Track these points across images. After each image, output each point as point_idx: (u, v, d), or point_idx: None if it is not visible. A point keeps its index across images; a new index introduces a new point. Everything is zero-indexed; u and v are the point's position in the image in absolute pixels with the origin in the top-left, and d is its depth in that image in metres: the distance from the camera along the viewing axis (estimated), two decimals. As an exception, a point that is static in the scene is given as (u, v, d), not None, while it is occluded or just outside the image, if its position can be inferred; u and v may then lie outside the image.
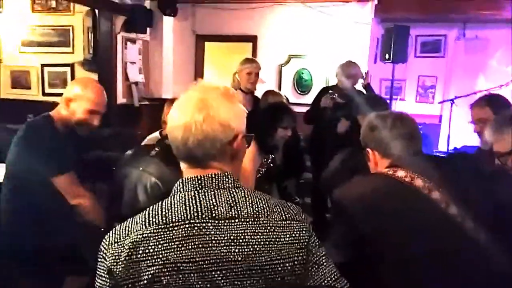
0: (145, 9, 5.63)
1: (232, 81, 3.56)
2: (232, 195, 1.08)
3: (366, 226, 1.30)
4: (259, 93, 3.71)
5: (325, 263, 1.10)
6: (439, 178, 1.35)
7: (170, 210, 1.08)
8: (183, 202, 1.08)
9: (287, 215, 1.10)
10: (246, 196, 1.09)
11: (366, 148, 1.56)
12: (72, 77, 5.56)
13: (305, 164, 3.83)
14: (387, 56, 5.19)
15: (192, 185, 1.09)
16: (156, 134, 2.64)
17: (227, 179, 1.10)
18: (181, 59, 6.13)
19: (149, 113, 5.70)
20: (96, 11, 5.21)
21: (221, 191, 1.08)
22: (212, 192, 1.08)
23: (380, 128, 1.49)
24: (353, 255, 1.30)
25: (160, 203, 1.11)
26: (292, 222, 1.09)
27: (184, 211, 1.06)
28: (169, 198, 1.11)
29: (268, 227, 1.06)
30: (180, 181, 1.12)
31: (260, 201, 1.10)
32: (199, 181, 1.09)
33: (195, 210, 1.06)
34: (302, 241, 1.08)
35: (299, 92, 5.88)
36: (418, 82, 7.04)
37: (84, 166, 4.02)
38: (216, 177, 1.10)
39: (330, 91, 3.69)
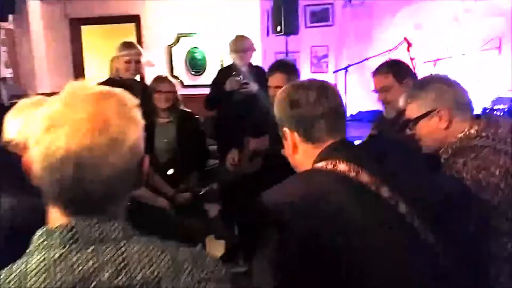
0: (3, -7, 4.86)
1: (109, 69, 3.10)
2: (121, 252, 0.74)
3: (312, 235, 1.01)
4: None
5: None
6: (381, 169, 1.12)
7: (23, 281, 0.71)
8: (46, 267, 0.72)
9: (201, 275, 0.77)
10: (142, 251, 0.75)
11: (282, 126, 1.26)
12: None
13: (209, 151, 3.55)
14: (278, 29, 5.06)
15: (61, 239, 0.74)
16: None
17: (114, 227, 0.76)
18: (54, 48, 5.46)
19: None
20: None
21: (106, 247, 0.74)
22: (92, 248, 0.73)
23: (302, 104, 1.20)
24: (292, 273, 1.01)
25: (8, 268, 0.74)
26: (207, 285, 0.77)
27: (47, 281, 0.71)
28: (23, 260, 0.74)
29: None
30: (41, 233, 0.75)
31: (162, 256, 0.76)
32: (72, 233, 0.74)
33: (63, 279, 0.71)
34: None
35: (192, 73, 5.54)
36: (311, 53, 7.03)
37: None
38: (99, 225, 0.75)
39: (234, 73, 3.41)
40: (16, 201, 1.19)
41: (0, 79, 4.84)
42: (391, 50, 4.61)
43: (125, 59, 2.97)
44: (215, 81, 3.65)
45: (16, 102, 5.10)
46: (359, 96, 6.55)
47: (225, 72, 3.60)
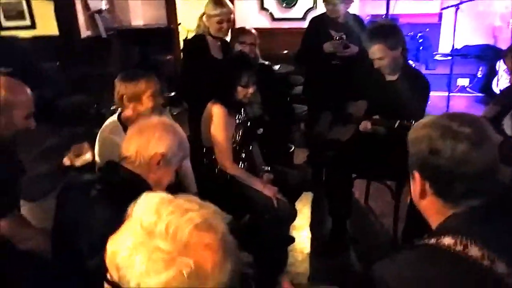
0: None
1: (197, 26, 2.86)
2: None
3: None
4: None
5: None
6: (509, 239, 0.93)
7: None
8: None
9: None
10: None
11: (412, 166, 1.07)
12: (29, 8, 4.92)
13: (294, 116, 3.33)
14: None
15: None
16: (114, 119, 2.07)
17: None
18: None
19: (119, 44, 5.15)
20: None
21: None
22: None
23: (445, 156, 0.98)
24: None
25: None
26: None
27: None
28: None
29: None
30: None
31: None
32: None
33: None
34: None
35: (284, 5, 5.24)
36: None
37: (56, 112, 3.53)
38: None
39: (336, 34, 3.00)
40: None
41: (96, 11, 4.95)
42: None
43: (217, 19, 2.73)
44: (307, 33, 3.26)
45: (112, 34, 5.13)
46: (466, 29, 5.84)
47: (318, 24, 3.19)
